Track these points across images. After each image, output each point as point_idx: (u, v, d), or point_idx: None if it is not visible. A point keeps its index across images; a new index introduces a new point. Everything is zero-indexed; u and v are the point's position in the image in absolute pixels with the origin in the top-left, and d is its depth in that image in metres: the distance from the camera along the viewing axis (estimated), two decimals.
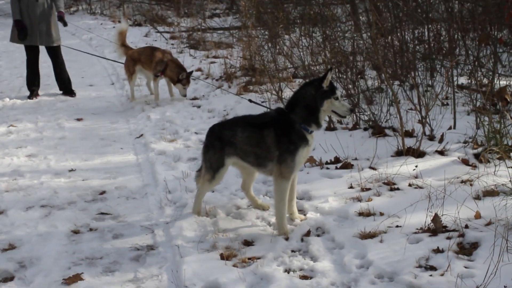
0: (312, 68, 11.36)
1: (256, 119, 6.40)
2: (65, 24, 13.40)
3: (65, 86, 13.52)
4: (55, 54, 13.34)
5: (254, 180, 6.89)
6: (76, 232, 6.62)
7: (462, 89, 10.42)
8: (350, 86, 10.18)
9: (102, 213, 7.09)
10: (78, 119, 11.47)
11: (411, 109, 9.34)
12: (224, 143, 6.39)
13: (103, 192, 7.74)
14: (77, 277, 5.58)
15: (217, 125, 6.72)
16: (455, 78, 10.20)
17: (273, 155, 6.12)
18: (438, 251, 5.41)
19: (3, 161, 9.10)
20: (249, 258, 5.69)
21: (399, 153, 7.96)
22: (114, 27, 22.89)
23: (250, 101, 7.17)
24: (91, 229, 6.68)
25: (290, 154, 6.05)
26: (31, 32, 12.82)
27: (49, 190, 7.82)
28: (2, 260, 5.97)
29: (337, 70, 10.54)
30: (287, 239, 6.04)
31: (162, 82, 12.56)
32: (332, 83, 6.06)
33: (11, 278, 5.66)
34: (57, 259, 5.99)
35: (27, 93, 13.34)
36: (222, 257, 5.72)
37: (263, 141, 6.16)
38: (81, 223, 6.83)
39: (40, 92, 13.45)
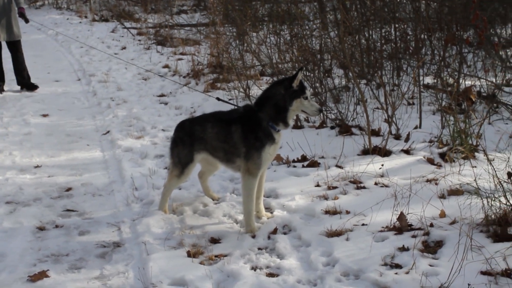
0: (280, 66, 11.39)
1: (225, 115, 6.42)
2: (26, 21, 13.30)
3: (25, 82, 13.36)
4: (15, 48, 13.13)
5: (213, 173, 7.13)
6: (41, 228, 6.58)
7: (428, 88, 10.50)
8: (317, 84, 10.22)
9: (68, 210, 7.05)
10: (44, 115, 11.38)
11: (377, 108, 9.41)
12: (194, 138, 6.43)
13: (69, 189, 7.69)
14: (42, 274, 5.54)
15: (187, 120, 6.80)
16: (421, 78, 10.29)
17: (240, 151, 6.15)
18: (403, 249, 5.46)
19: None
20: (216, 256, 5.69)
21: (365, 152, 8.01)
22: (80, 22, 22.80)
23: (218, 99, 7.16)
24: (56, 226, 6.63)
25: (256, 151, 6.07)
26: None
27: (14, 187, 7.75)
28: None
29: (304, 68, 10.57)
30: (254, 236, 6.05)
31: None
32: (303, 82, 6.07)
33: None
34: (22, 256, 5.95)
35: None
36: (189, 254, 5.71)
37: (231, 137, 6.20)
38: (46, 219, 6.79)
39: (5, 88, 13.30)
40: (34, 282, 5.43)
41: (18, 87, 13.43)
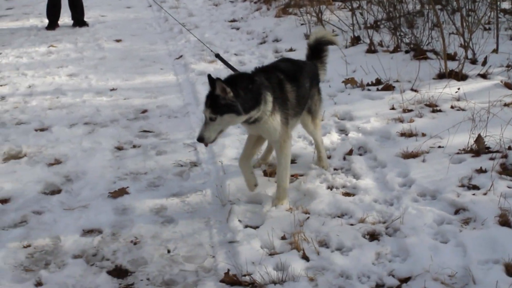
0: None
1: None
2: None
3: (77, 16, 12.99)
4: None
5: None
6: (119, 148, 6.73)
7: (505, 13, 10.23)
8: (391, 9, 10.05)
9: (144, 131, 7.19)
10: (117, 40, 11.54)
11: (453, 33, 9.22)
12: None
13: (144, 111, 7.82)
14: (122, 191, 5.69)
15: None
16: (498, 2, 10.02)
17: None
18: (481, 171, 5.40)
19: (45, 80, 9.23)
20: (292, 175, 5.70)
21: (441, 76, 7.89)
22: None
23: (217, 55, 6.44)
24: (134, 146, 6.78)
25: None
26: None
27: (91, 108, 7.93)
28: (49, 174, 6.11)
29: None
30: (329, 157, 6.05)
31: None
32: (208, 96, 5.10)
33: (58, 191, 5.79)
34: (102, 174, 6.10)
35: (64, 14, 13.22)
36: (265, 173, 5.78)
37: None
38: (124, 140, 6.94)
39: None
40: (114, 198, 5.59)
41: (91, 13, 13.49)
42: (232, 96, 4.84)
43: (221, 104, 4.85)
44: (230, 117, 4.90)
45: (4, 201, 5.62)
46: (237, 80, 5.05)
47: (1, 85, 9.13)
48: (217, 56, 5.74)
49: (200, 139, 4.94)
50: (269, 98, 5.07)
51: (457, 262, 4.21)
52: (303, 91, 5.43)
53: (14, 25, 13.47)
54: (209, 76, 4.98)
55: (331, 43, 6.01)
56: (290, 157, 5.34)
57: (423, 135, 6.27)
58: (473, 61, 8.35)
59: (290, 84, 5.30)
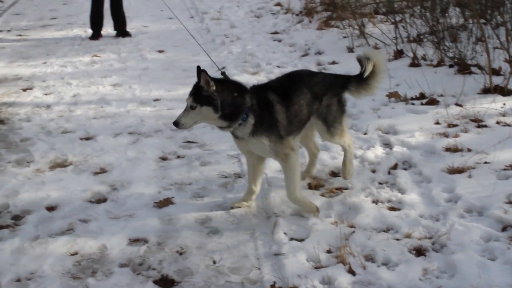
0: (395, 4, 11.20)
1: None
2: None
3: (120, 27, 13.17)
4: None
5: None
6: (164, 158, 6.79)
7: None
8: (434, 23, 10.01)
9: (188, 142, 7.23)
10: (160, 51, 11.64)
11: (497, 47, 9.14)
12: None
13: None
14: (167, 201, 5.74)
15: None
16: None
17: None
18: None
19: (90, 89, 9.36)
20: (336, 189, 5.74)
21: (486, 91, 7.81)
22: None
23: (223, 73, 6.37)
24: (178, 156, 6.83)
25: None
26: None
27: (135, 118, 8.01)
28: (94, 183, 6.20)
29: (420, 6, 10.40)
30: (373, 171, 6.05)
31: None
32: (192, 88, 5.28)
33: (104, 200, 5.87)
34: (147, 183, 6.16)
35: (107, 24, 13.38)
36: (310, 186, 5.79)
37: None
38: (168, 150, 6.99)
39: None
40: (160, 208, 5.64)
41: (133, 24, 13.63)
42: (214, 90, 5.06)
43: (203, 95, 5.08)
44: (208, 111, 5.09)
45: (51, 208, 5.70)
46: (227, 82, 5.34)
47: (47, 94, 9.28)
48: (223, 73, 5.76)
49: (176, 123, 5.21)
50: (251, 120, 5.20)
51: (505, 280, 4.18)
52: (295, 109, 5.42)
53: (59, 35, 13.65)
54: (198, 68, 5.16)
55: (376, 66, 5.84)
56: (297, 169, 5.32)
57: (469, 150, 6.22)
58: None
59: (279, 105, 5.34)
